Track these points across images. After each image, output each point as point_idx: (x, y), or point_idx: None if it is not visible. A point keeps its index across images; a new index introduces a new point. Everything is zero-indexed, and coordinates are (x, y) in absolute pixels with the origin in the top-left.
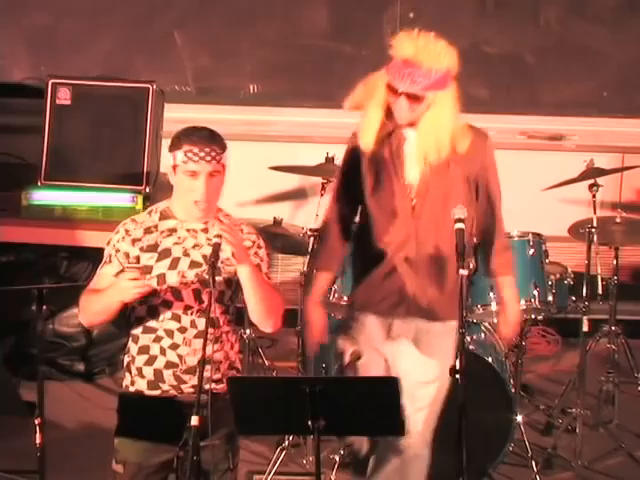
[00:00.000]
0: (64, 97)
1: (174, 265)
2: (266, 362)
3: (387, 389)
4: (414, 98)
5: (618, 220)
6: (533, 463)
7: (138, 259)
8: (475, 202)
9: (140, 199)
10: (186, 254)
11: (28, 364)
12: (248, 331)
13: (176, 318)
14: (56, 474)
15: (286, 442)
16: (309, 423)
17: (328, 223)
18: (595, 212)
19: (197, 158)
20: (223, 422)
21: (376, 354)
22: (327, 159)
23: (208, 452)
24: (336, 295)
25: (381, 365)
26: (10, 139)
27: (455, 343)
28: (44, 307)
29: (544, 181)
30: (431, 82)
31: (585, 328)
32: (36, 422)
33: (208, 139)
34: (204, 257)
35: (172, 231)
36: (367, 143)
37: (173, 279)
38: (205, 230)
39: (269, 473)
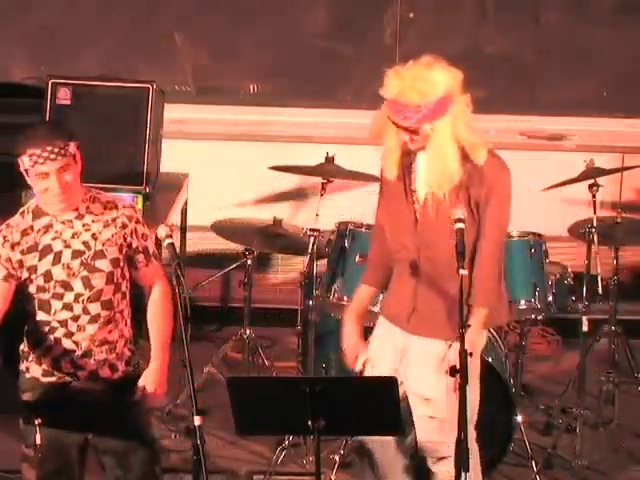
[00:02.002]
0: (64, 97)
1: (57, 259)
2: (266, 362)
3: (386, 389)
4: (411, 130)
5: (618, 220)
6: (533, 463)
7: (21, 263)
8: (474, 224)
9: (140, 199)
10: (67, 245)
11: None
12: (248, 331)
13: (68, 308)
14: None
15: (286, 442)
16: (309, 423)
17: (374, 236)
18: (595, 212)
19: (42, 160)
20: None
21: (385, 361)
22: (327, 159)
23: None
24: (336, 295)
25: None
26: (10, 139)
27: (446, 361)
28: None
29: (544, 181)
30: (422, 115)
31: (585, 328)
32: (36, 422)
33: (48, 137)
34: (84, 244)
35: (48, 227)
36: (390, 171)
37: (60, 273)
38: (79, 217)
39: (269, 473)
